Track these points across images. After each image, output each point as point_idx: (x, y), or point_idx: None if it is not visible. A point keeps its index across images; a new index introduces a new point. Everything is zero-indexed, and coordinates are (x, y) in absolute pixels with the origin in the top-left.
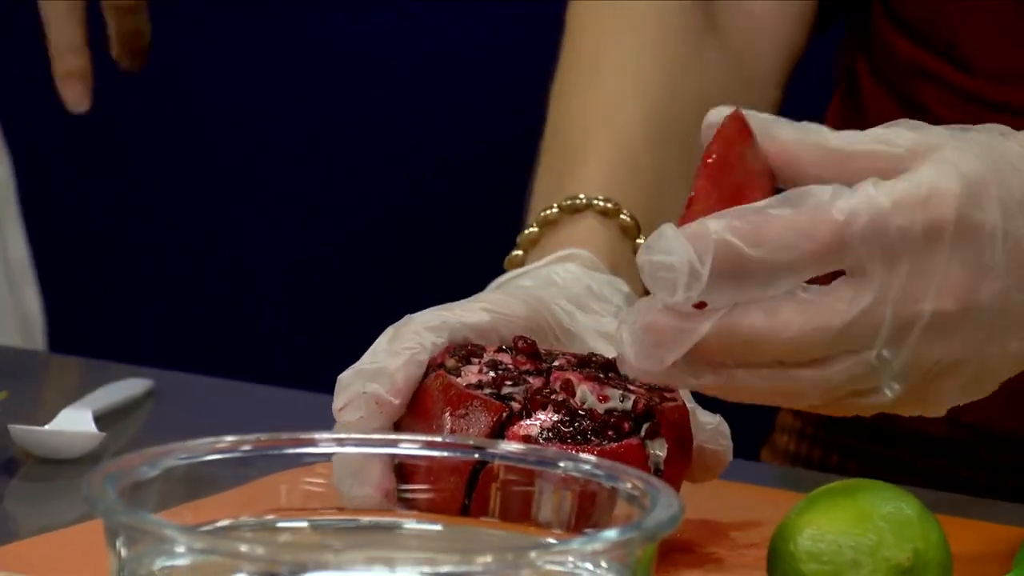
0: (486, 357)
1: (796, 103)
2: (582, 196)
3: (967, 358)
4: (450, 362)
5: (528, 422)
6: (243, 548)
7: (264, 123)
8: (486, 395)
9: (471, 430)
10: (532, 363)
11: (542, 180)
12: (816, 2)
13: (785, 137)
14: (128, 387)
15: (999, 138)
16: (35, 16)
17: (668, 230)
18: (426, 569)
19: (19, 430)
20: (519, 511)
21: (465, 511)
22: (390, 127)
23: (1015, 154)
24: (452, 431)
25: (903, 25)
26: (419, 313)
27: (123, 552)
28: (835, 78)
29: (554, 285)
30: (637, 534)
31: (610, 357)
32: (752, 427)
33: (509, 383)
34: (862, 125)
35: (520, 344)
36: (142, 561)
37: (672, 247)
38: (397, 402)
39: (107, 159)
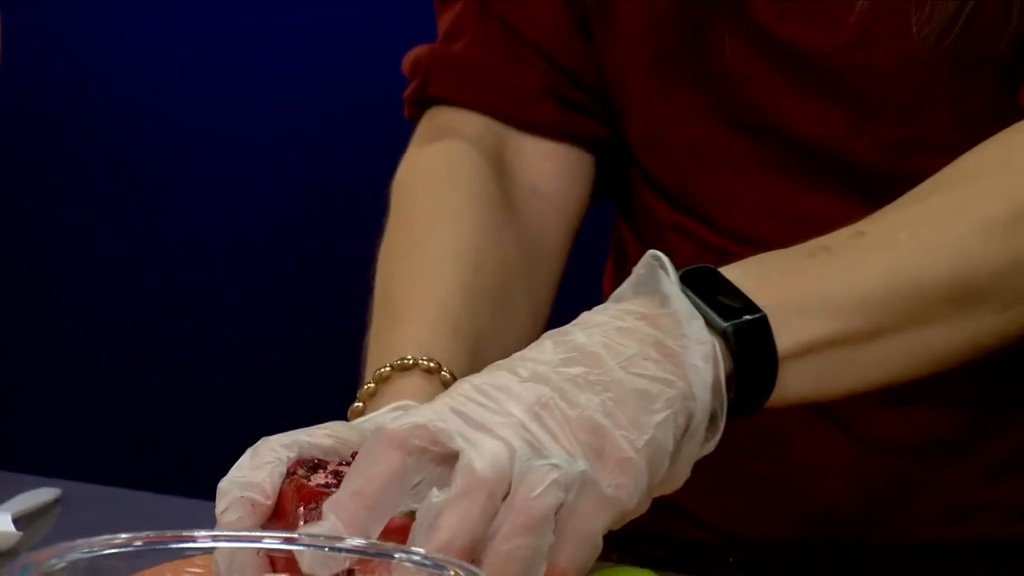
0: (330, 468)
1: (579, 269)
2: (410, 357)
3: (593, 414)
4: (300, 472)
5: None
6: None
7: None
8: (332, 492)
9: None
10: None
11: (375, 341)
12: (594, 179)
13: None
14: (41, 494)
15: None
16: None
17: None
18: None
19: None
20: None
21: None
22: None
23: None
24: (306, 522)
25: (659, 190)
26: (273, 436)
27: None
28: (610, 247)
29: None
30: None
31: None
32: None
33: None
34: None
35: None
36: None
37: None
38: (269, 503)
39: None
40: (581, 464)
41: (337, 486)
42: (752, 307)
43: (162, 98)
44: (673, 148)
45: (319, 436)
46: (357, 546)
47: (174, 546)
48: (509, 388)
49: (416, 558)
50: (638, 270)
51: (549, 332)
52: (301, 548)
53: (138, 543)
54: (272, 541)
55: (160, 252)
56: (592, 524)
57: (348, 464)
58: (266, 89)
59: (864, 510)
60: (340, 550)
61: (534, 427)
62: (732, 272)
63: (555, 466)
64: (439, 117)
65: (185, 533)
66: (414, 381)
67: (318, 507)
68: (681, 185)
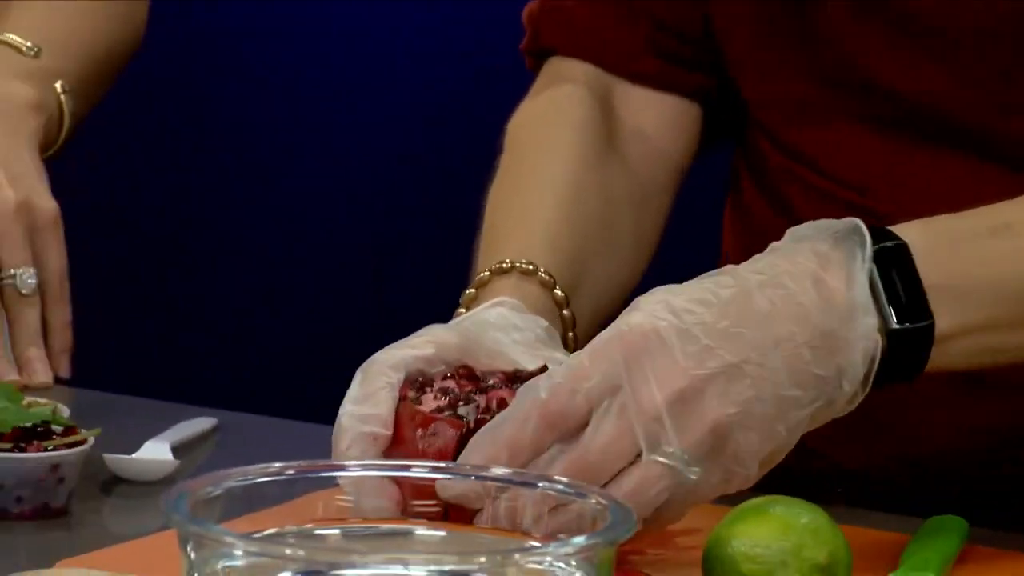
0: (436, 385)
1: (701, 203)
2: (508, 261)
3: (729, 421)
4: (411, 394)
5: None
6: (287, 551)
7: (310, 167)
8: (446, 416)
9: (439, 444)
10: (472, 384)
11: (479, 261)
12: (700, 126)
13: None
14: (198, 424)
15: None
16: None
17: None
18: (433, 567)
19: (112, 458)
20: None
21: (445, 518)
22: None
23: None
24: (424, 447)
25: (775, 143)
26: (379, 354)
27: (192, 555)
28: (729, 183)
29: (486, 322)
30: (601, 540)
31: (532, 369)
32: None
33: (461, 403)
34: (746, 221)
35: (461, 371)
36: (207, 562)
37: None
38: (389, 433)
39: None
40: (694, 472)
41: (450, 407)
42: (925, 311)
43: (167, 96)
44: (780, 103)
45: (421, 345)
46: (501, 475)
47: (325, 474)
48: (660, 351)
49: (559, 487)
50: (839, 226)
51: (728, 269)
52: (446, 476)
53: (291, 472)
54: (419, 471)
55: (311, 181)
56: (678, 514)
57: (452, 377)
58: (266, 89)
59: (974, 453)
60: (484, 478)
61: (667, 419)
62: (910, 232)
63: (670, 468)
64: (552, 67)
65: (335, 462)
66: (512, 282)
67: (436, 432)
68: (789, 136)
